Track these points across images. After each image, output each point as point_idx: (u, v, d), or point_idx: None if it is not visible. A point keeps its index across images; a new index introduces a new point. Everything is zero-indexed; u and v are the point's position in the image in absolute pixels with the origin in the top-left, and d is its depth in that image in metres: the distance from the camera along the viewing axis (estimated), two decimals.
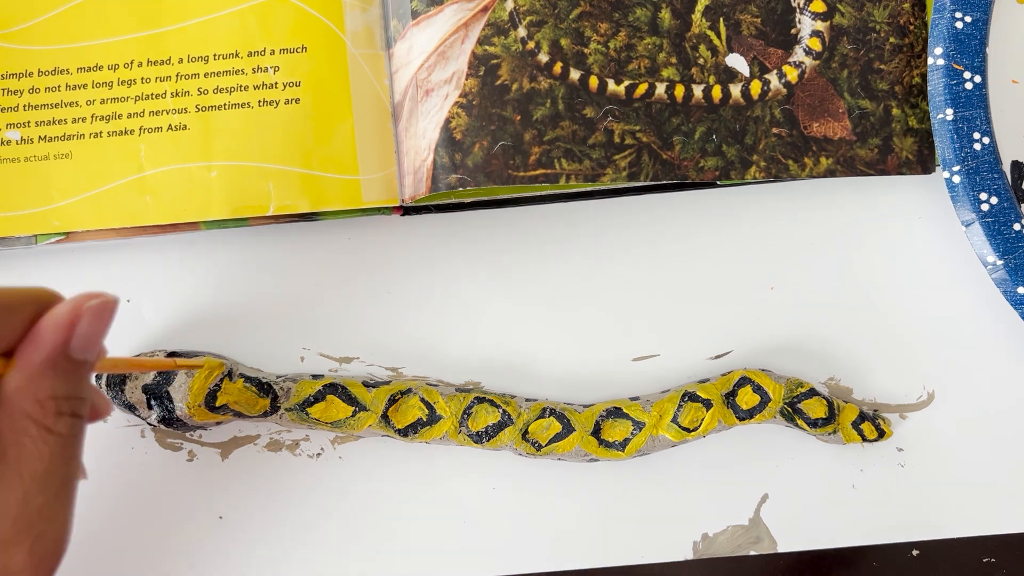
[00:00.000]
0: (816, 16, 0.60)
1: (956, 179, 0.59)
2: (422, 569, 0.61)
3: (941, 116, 0.59)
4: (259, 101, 0.59)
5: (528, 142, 0.57)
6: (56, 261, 0.61)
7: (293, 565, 0.61)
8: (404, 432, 0.59)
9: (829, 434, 0.60)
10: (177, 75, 0.59)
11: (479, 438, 0.60)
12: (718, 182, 0.61)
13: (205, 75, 0.59)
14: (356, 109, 0.59)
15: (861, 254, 0.63)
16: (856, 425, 0.60)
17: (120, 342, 0.61)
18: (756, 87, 0.60)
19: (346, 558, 0.61)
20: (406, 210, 0.61)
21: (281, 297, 0.62)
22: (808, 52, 0.60)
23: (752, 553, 0.62)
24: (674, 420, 0.59)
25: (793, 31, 0.60)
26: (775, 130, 0.60)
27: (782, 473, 0.62)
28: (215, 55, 0.59)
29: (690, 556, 0.62)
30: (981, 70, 0.59)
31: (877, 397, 0.62)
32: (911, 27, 0.61)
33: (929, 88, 0.60)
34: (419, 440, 0.60)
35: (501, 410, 0.60)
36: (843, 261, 0.63)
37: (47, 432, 0.44)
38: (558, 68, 0.58)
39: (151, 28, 0.59)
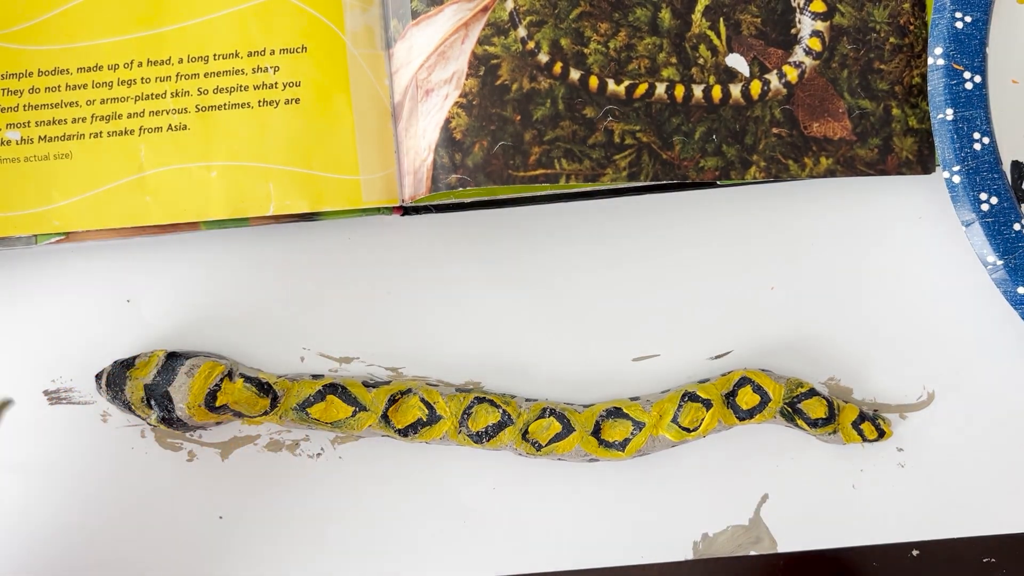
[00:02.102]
0: (816, 16, 0.60)
1: (956, 179, 0.59)
2: (422, 570, 0.61)
3: (941, 116, 0.59)
4: (259, 101, 0.59)
5: (528, 142, 0.57)
6: (56, 261, 0.61)
7: (293, 565, 0.61)
8: (404, 432, 0.59)
9: (829, 434, 0.60)
10: (177, 75, 0.59)
11: (479, 438, 0.60)
12: (718, 182, 0.61)
13: (205, 75, 0.59)
14: (356, 109, 0.59)
15: (861, 254, 0.63)
16: (856, 425, 0.60)
17: (120, 343, 0.61)
18: (756, 87, 0.59)
19: (346, 558, 0.61)
20: (406, 210, 0.61)
21: (281, 297, 0.62)
22: (808, 52, 0.60)
23: (752, 553, 0.62)
24: (674, 420, 0.59)
25: (793, 31, 0.60)
26: (775, 130, 0.60)
27: (782, 473, 0.62)
28: (215, 55, 0.59)
29: (690, 556, 0.62)
30: (981, 70, 0.59)
31: (877, 397, 0.62)
32: (911, 27, 0.61)
33: (929, 88, 0.59)
34: (419, 440, 0.60)
35: (501, 410, 0.60)
36: (843, 261, 0.63)
37: None
38: (558, 68, 0.58)
39: (151, 28, 0.59)
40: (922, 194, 0.63)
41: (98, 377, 0.59)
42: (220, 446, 0.61)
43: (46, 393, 0.61)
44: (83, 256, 0.61)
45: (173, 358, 0.59)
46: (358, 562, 0.61)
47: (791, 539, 0.62)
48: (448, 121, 0.57)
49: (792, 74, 0.60)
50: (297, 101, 0.59)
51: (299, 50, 0.59)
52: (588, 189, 0.61)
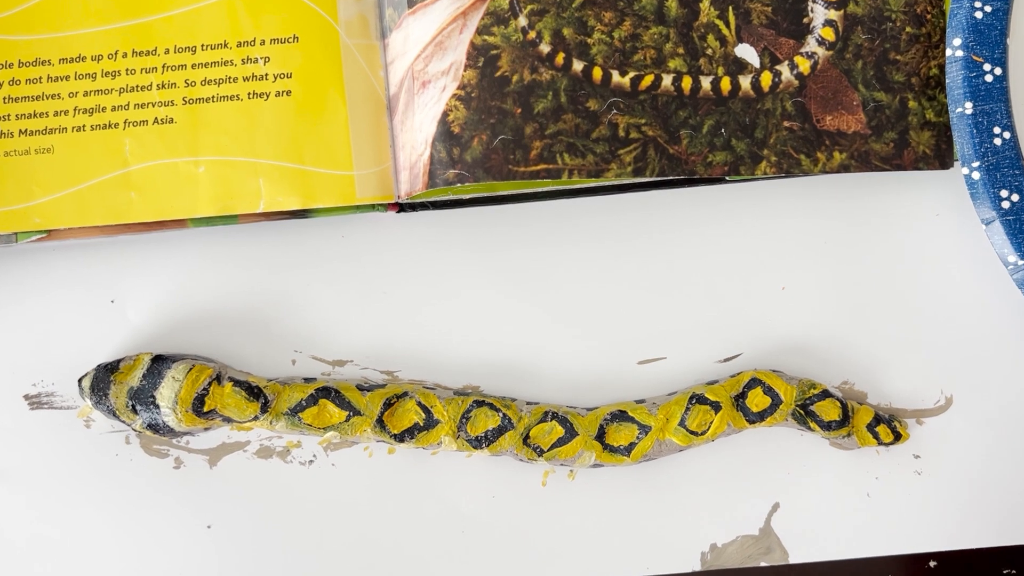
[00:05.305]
0: (829, 5, 0.60)
1: (976, 175, 0.59)
2: None
3: (960, 110, 0.59)
4: (249, 93, 0.59)
5: (529, 136, 0.57)
6: (37, 260, 0.61)
7: None
8: (400, 437, 0.59)
9: (843, 437, 0.60)
10: (163, 66, 0.59)
11: (478, 443, 0.59)
12: (727, 178, 0.60)
13: (192, 66, 0.59)
14: (350, 102, 0.59)
15: (876, 253, 0.62)
16: (871, 428, 0.61)
17: (104, 345, 0.61)
18: (767, 79, 0.59)
19: (339, 569, 0.61)
20: (402, 207, 0.60)
21: (272, 298, 0.61)
22: (821, 42, 0.60)
23: (762, 564, 0.62)
24: (681, 423, 0.59)
25: (805, 20, 0.60)
26: (786, 123, 0.59)
27: (794, 481, 0.62)
28: (203, 45, 0.59)
29: (698, 567, 0.62)
30: (1002, 62, 0.59)
31: (893, 402, 0.62)
32: (928, 16, 0.61)
33: (947, 81, 0.59)
34: (416, 446, 0.59)
35: (501, 414, 0.59)
36: (857, 260, 0.62)
37: None
38: (560, 59, 0.57)
39: (136, 17, 0.59)
40: (940, 190, 0.63)
41: (80, 380, 0.59)
42: (208, 453, 0.61)
43: (27, 397, 0.61)
44: (65, 255, 0.61)
45: (159, 361, 0.59)
46: (352, 573, 0.61)
47: (803, 550, 0.62)
48: (446, 114, 0.57)
49: (804, 65, 0.60)
50: (288, 93, 0.59)
51: (290, 40, 0.59)
52: (591, 185, 0.61)
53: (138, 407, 0.58)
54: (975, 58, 0.58)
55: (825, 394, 0.60)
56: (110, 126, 0.58)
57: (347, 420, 0.59)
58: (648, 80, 0.58)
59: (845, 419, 0.59)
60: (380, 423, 0.59)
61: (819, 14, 0.60)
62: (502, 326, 0.62)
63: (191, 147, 0.58)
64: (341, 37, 0.59)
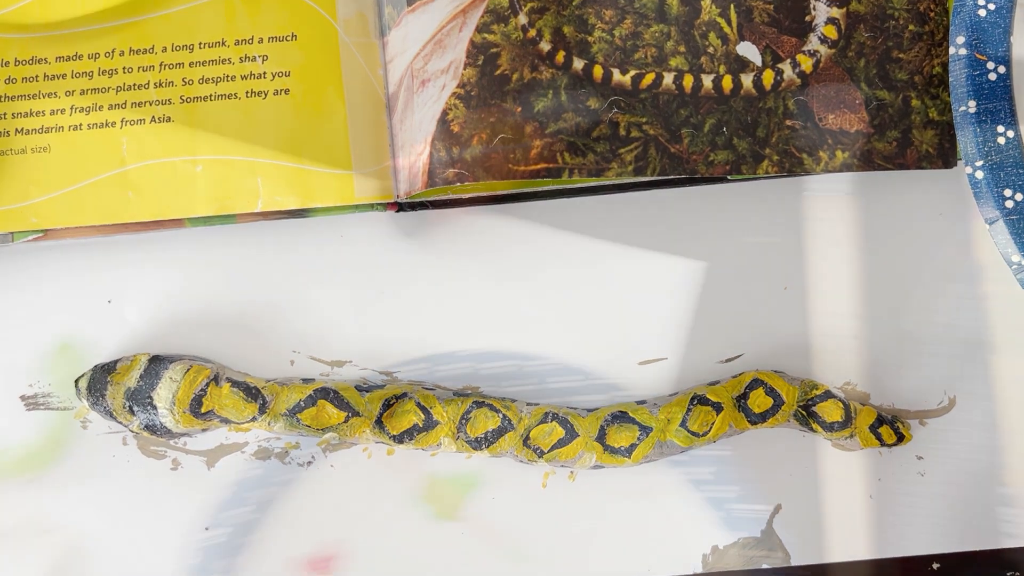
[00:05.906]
0: (832, 2, 0.59)
1: (979, 174, 0.58)
2: None
3: (963, 109, 0.58)
4: (247, 92, 0.59)
5: (529, 135, 0.57)
6: (34, 260, 0.61)
7: None
8: (399, 438, 0.59)
9: (845, 438, 0.60)
10: (161, 65, 0.59)
11: (478, 444, 0.59)
12: (729, 177, 0.60)
13: (190, 65, 0.59)
14: (349, 100, 0.59)
15: (878, 252, 0.62)
16: (874, 429, 0.60)
17: (101, 345, 0.61)
18: (768, 77, 0.59)
19: (338, 571, 0.61)
20: (401, 206, 0.60)
21: (270, 298, 0.61)
22: (823, 40, 0.59)
23: (765, 566, 0.61)
24: (683, 424, 0.59)
25: (807, 18, 0.59)
26: (788, 122, 0.59)
27: (796, 482, 0.62)
28: (200, 44, 0.59)
29: (699, 570, 0.61)
30: (1006, 60, 0.58)
31: (895, 403, 0.62)
32: (931, 14, 0.60)
33: (951, 79, 0.59)
34: (415, 447, 0.59)
35: (501, 415, 0.59)
36: (859, 260, 0.62)
37: None
38: (560, 57, 0.57)
39: (133, 16, 0.59)
40: (943, 190, 0.62)
41: (77, 381, 0.58)
42: (206, 454, 0.61)
43: (23, 398, 0.60)
44: (62, 255, 0.61)
45: (156, 362, 0.58)
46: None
47: (805, 552, 0.61)
48: (445, 113, 0.57)
49: (806, 63, 0.59)
50: (287, 92, 0.59)
51: (289, 38, 0.59)
52: (592, 184, 0.60)
53: (135, 408, 0.57)
54: (978, 56, 0.58)
55: (827, 395, 0.59)
56: (107, 125, 0.58)
57: (346, 421, 0.58)
58: (649, 78, 0.58)
59: (847, 420, 0.59)
60: (379, 424, 0.58)
61: (821, 12, 0.59)
62: (502, 326, 0.61)
63: (189, 146, 0.58)
64: (340, 35, 0.59)
